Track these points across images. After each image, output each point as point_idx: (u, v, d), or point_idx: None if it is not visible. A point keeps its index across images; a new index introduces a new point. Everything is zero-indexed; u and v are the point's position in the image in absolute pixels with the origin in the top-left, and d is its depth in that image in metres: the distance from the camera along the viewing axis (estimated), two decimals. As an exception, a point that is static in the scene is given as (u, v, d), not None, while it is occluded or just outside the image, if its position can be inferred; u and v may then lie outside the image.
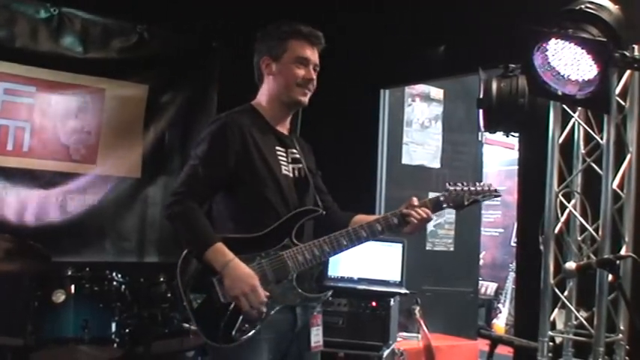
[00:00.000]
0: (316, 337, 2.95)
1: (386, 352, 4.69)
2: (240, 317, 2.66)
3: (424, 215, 2.91)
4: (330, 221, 3.00)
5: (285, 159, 2.92)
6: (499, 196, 3.11)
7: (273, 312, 2.72)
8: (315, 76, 2.96)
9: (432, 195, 3.00)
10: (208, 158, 2.79)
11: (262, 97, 2.99)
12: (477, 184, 3.06)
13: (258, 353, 2.73)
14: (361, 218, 3.02)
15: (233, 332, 2.66)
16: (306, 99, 2.95)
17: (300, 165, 2.98)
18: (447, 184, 3.04)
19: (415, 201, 2.94)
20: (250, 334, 2.68)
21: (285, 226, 2.81)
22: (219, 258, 2.66)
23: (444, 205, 3.00)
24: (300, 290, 2.78)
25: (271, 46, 2.94)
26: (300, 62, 2.91)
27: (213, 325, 2.68)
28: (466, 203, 3.02)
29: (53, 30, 5.42)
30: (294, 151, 2.99)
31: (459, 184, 3.02)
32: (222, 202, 2.87)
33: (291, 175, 2.91)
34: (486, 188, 3.05)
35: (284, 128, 3.02)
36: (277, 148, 2.91)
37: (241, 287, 2.62)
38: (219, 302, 2.67)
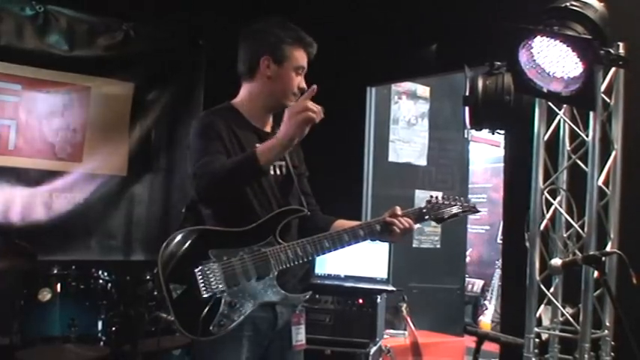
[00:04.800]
0: (298, 335, 2.95)
1: (373, 349, 4.69)
2: (219, 312, 2.64)
3: (407, 225, 2.94)
4: (311, 224, 3.00)
5: None
6: (478, 212, 3.24)
7: (252, 309, 2.71)
8: None
9: (418, 193, 3.02)
10: (208, 147, 2.76)
11: (245, 95, 2.99)
12: (458, 198, 3.18)
13: (237, 350, 2.73)
14: (342, 223, 3.02)
15: (211, 327, 2.63)
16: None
17: (283, 163, 2.97)
18: (430, 196, 3.14)
19: (398, 210, 2.95)
20: (228, 328, 2.66)
21: (270, 223, 2.80)
22: (269, 149, 2.65)
23: (426, 217, 3.08)
24: (280, 289, 2.77)
25: (275, 48, 2.90)
26: (298, 70, 2.94)
27: (190, 317, 2.63)
28: (446, 217, 3.10)
29: (39, 28, 5.41)
30: None
31: (441, 197, 3.12)
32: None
33: (272, 172, 2.90)
34: (466, 204, 3.18)
35: (266, 125, 3.01)
36: (257, 145, 2.88)
37: (296, 120, 2.61)
38: (199, 295, 2.64)
